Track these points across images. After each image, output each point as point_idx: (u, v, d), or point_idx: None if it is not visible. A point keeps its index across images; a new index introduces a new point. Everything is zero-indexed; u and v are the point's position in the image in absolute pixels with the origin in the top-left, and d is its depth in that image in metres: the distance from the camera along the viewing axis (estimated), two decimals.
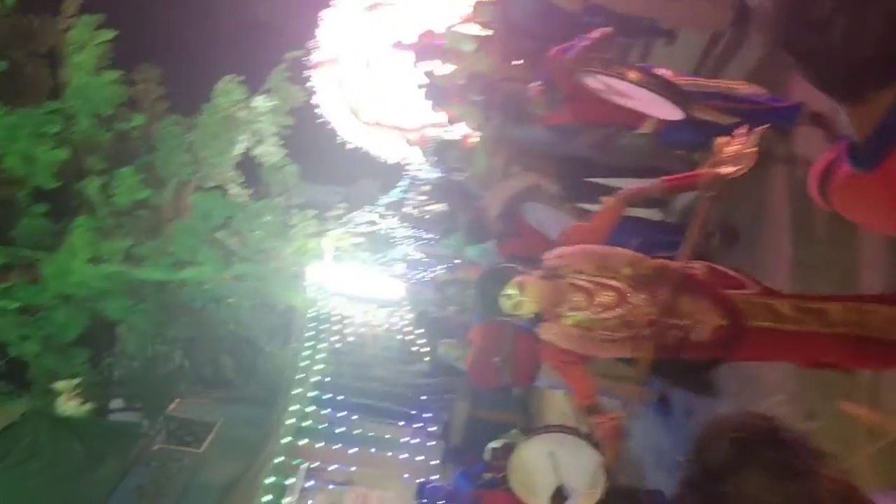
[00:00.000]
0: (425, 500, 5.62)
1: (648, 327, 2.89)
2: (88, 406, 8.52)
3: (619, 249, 3.03)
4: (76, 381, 8.30)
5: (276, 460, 7.27)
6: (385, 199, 12.51)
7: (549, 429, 4.70)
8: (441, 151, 5.87)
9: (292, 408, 8.03)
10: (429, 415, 8.72)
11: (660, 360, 2.89)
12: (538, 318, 3.00)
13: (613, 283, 2.97)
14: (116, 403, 9.82)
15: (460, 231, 5.66)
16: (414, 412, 8.76)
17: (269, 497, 6.86)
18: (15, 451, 7.92)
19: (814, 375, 3.12)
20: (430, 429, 8.43)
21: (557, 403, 7.21)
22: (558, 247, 3.12)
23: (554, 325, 3.03)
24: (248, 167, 9.72)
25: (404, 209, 10.62)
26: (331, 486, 7.44)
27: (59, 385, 8.00)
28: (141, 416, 9.14)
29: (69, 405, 8.22)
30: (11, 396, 8.13)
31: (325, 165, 13.15)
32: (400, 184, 11.25)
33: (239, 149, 9.31)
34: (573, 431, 4.30)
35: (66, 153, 7.34)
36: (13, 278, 7.51)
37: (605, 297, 2.95)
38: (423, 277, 9.73)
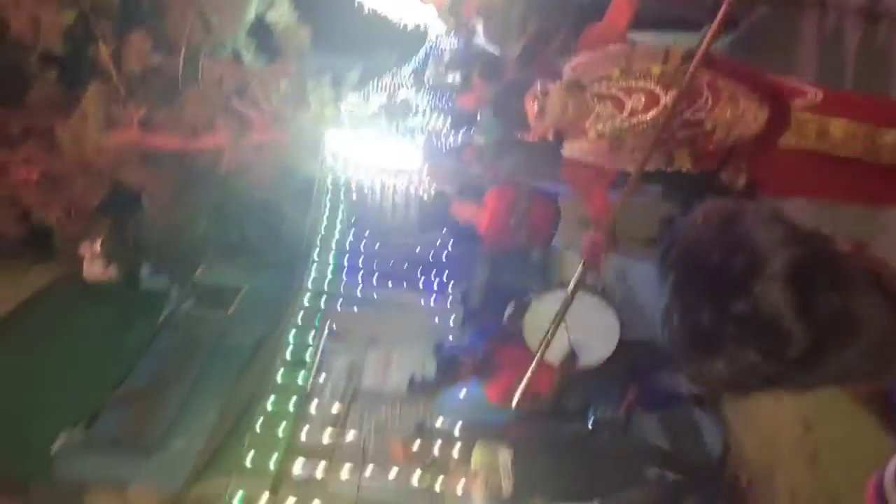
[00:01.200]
0: (443, 357, 5.77)
1: (684, 129, 2.69)
2: (114, 272, 8.75)
3: (645, 45, 2.78)
4: (101, 247, 8.47)
5: (298, 320, 7.50)
6: (404, 68, 12.20)
7: (563, 284, 4.72)
8: (457, 7, 5.67)
9: (313, 272, 8.20)
10: (448, 280, 8.85)
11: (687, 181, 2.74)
12: (560, 135, 2.87)
13: (643, 84, 2.75)
14: (143, 272, 10.05)
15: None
16: (433, 278, 8.89)
17: (291, 354, 7.11)
18: (44, 317, 8.26)
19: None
20: (449, 293, 8.58)
21: (574, 267, 7.18)
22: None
23: (579, 140, 2.89)
24: (262, 33, 9.45)
25: (425, 76, 10.37)
26: (350, 346, 7.69)
27: (84, 251, 8.19)
28: (168, 282, 9.38)
29: (96, 272, 8.43)
30: (37, 264, 8.35)
31: (342, 34, 12.80)
32: (419, 52, 10.92)
33: (251, 13, 9.01)
34: (588, 288, 4.31)
35: (73, 16, 7.18)
36: (31, 145, 7.54)
37: (636, 102, 2.75)
38: (442, 146, 9.62)
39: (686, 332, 1.10)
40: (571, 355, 4.34)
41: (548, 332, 3.33)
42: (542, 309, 4.49)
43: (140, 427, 7.07)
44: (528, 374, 3.38)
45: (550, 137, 2.95)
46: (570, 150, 2.92)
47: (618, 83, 2.70)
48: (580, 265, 3.22)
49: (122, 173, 8.41)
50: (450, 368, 5.44)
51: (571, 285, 3.30)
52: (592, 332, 4.29)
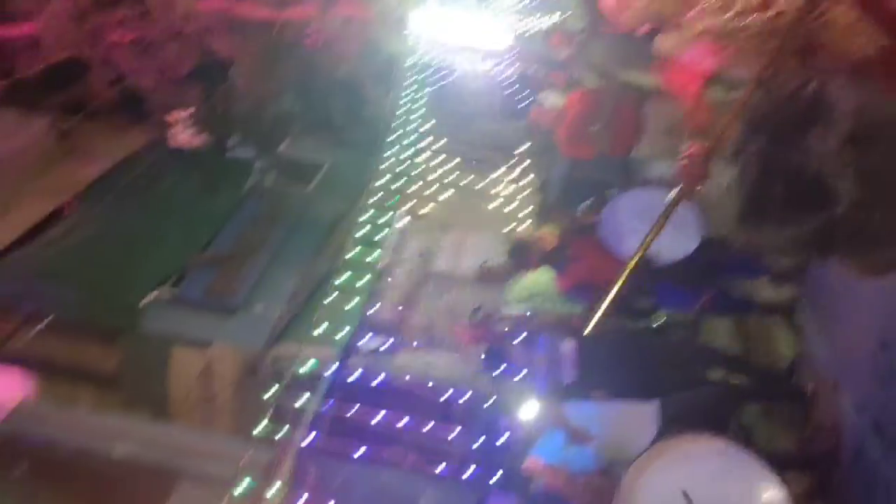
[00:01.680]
0: (516, 243, 5.74)
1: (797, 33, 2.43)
2: (203, 139, 8.99)
3: None
4: (191, 114, 8.69)
5: (376, 198, 7.61)
6: None
7: (646, 182, 4.61)
8: None
9: (392, 152, 8.23)
10: (528, 168, 8.73)
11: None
12: (656, 27, 2.71)
13: None
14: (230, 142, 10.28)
15: None
16: (513, 165, 8.80)
17: (367, 231, 7.26)
18: (136, 179, 8.61)
19: None
20: (528, 181, 8.49)
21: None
22: None
23: (676, 34, 2.71)
24: None
25: None
26: (426, 229, 7.79)
27: (174, 117, 8.42)
28: (253, 154, 9.60)
29: (185, 138, 8.69)
30: (132, 127, 8.66)
31: None
32: None
33: None
34: (671, 186, 4.19)
35: None
36: (125, 10, 7.68)
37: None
38: (531, 28, 9.28)
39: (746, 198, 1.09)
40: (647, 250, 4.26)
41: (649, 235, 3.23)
42: (623, 206, 4.41)
43: (224, 289, 7.42)
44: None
45: (644, 29, 2.80)
46: (667, 42, 2.76)
47: None
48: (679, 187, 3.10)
49: (212, 42, 8.52)
50: (522, 254, 5.44)
51: (670, 197, 3.18)
52: (671, 230, 4.19)
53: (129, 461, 5.88)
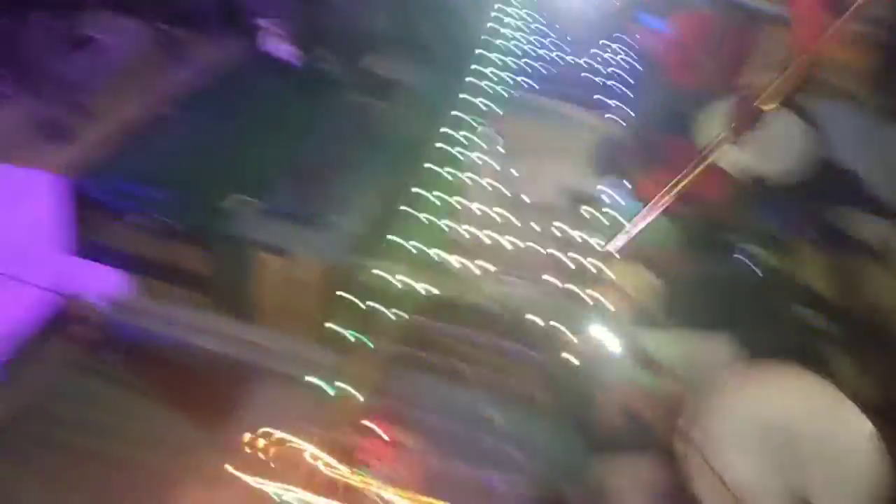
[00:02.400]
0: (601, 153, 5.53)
1: None
2: (295, 50, 9.04)
3: None
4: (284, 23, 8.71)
5: (461, 120, 7.55)
6: None
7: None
8: None
9: (479, 74, 8.11)
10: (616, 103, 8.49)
11: None
12: None
13: None
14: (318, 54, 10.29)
15: None
16: (602, 98, 8.56)
17: (450, 152, 7.24)
18: (231, 87, 8.76)
19: None
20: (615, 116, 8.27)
21: None
22: None
23: None
24: None
25: None
26: (512, 151, 7.71)
27: (269, 26, 8.47)
28: (340, 68, 9.61)
29: (280, 49, 8.76)
30: (227, 35, 8.76)
31: None
32: None
33: None
34: (791, 105, 4.01)
35: None
36: None
37: None
38: None
39: None
40: (750, 168, 4.13)
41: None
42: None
43: (309, 201, 7.57)
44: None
45: None
46: None
47: None
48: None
49: None
50: (612, 158, 5.32)
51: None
52: (778, 148, 4.03)
53: (216, 356, 6.22)
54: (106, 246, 7.44)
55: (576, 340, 5.24)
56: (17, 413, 5.71)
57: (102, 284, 7.03)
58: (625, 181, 5.58)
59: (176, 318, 6.64)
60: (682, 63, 5.17)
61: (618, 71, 8.23)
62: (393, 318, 5.56)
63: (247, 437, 5.05)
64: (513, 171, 7.64)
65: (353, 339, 5.56)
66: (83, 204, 7.22)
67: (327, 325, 6.15)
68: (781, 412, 3.13)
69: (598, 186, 6.02)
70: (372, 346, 5.40)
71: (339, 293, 6.80)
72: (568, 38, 8.93)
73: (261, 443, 5.04)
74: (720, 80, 5.07)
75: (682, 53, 5.15)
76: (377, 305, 5.71)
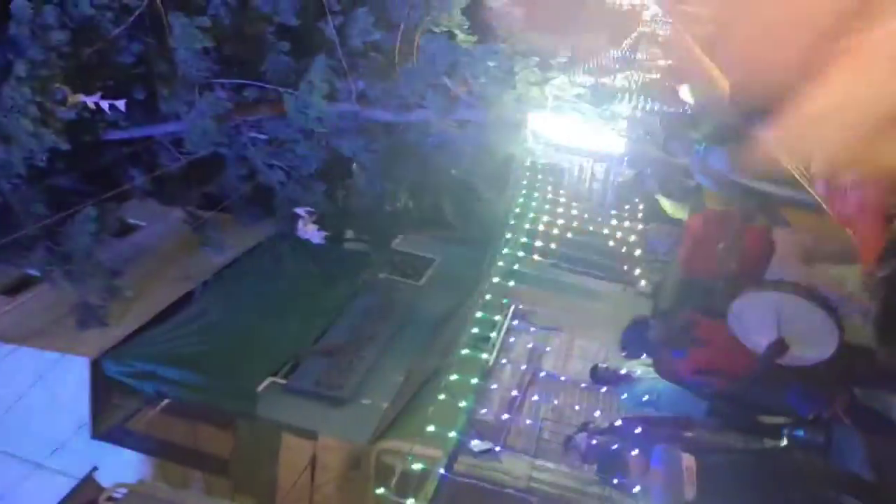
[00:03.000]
0: (633, 331, 5.52)
1: None
2: (324, 233, 9.38)
3: None
4: (314, 210, 9.11)
5: (486, 298, 7.65)
6: (613, 52, 11.88)
7: (779, 286, 4.41)
8: None
9: (505, 251, 8.31)
10: (640, 273, 8.60)
11: None
12: None
13: None
14: (349, 236, 10.69)
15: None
16: (626, 269, 8.69)
17: (477, 330, 7.27)
18: (261, 267, 9.05)
19: None
20: (640, 287, 8.36)
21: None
22: None
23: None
24: (475, 12, 9.64)
25: (634, 62, 10.07)
26: (534, 329, 7.73)
27: (301, 212, 8.84)
28: (369, 248, 9.93)
29: (308, 231, 9.10)
30: (259, 219, 9.17)
31: (553, 13, 12.70)
32: (632, 34, 10.57)
33: None
34: (808, 293, 4.01)
35: None
36: (262, 111, 8.27)
37: None
38: (646, 135, 9.33)
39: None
40: (778, 347, 4.04)
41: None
42: (755, 304, 4.20)
43: (335, 380, 7.54)
44: None
45: None
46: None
47: None
48: None
49: (338, 141, 9.01)
50: (640, 341, 5.25)
51: None
52: (806, 335, 3.97)
53: None
54: (128, 429, 7.39)
55: None
56: None
57: (123, 469, 6.92)
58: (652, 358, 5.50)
59: None
60: (699, 258, 5.23)
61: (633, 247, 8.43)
62: None
63: None
64: (538, 347, 7.60)
65: None
66: (107, 386, 7.26)
67: None
68: None
69: (625, 367, 5.95)
70: None
71: (362, 477, 6.61)
72: (585, 215, 9.21)
73: None
74: (739, 274, 5.07)
75: (697, 250, 5.22)
76: (404, 493, 5.49)
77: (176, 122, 8.19)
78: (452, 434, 5.92)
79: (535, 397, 7.08)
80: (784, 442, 5.04)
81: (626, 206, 9.18)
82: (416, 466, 5.50)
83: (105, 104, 6.90)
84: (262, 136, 8.80)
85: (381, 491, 5.20)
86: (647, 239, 8.62)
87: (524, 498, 5.36)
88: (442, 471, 5.46)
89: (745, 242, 5.03)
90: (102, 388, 7.25)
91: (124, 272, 7.87)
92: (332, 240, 10.13)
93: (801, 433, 4.66)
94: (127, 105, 7.51)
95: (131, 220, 9.35)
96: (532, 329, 7.81)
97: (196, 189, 8.88)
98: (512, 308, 8.04)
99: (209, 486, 7.34)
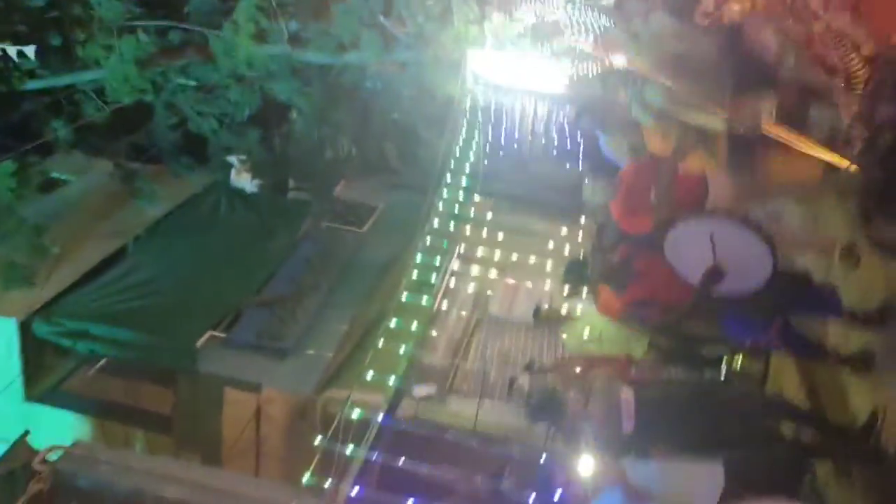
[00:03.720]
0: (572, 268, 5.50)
1: None
2: (260, 182, 9.11)
3: None
4: (250, 157, 8.83)
5: (427, 242, 7.52)
6: None
7: (713, 214, 4.38)
8: None
9: (446, 194, 8.16)
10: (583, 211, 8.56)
11: None
12: None
13: None
14: (291, 185, 10.41)
15: None
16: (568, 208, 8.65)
17: (418, 275, 7.16)
18: (196, 219, 8.75)
19: None
20: (583, 222, 8.32)
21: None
22: None
23: None
24: None
25: None
26: (476, 272, 7.67)
27: (234, 160, 8.57)
28: (310, 197, 9.68)
29: (243, 180, 8.83)
30: (193, 169, 8.83)
31: None
32: None
33: None
34: (741, 220, 3.97)
35: None
36: (188, 56, 7.88)
37: None
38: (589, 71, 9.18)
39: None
40: (714, 274, 4.03)
41: None
42: (689, 232, 4.16)
43: (277, 331, 7.40)
44: None
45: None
46: None
47: None
48: None
49: (272, 86, 8.68)
50: (580, 278, 5.24)
51: None
52: (741, 263, 3.95)
53: None
54: (63, 390, 7.16)
55: (556, 470, 4.99)
56: None
57: (59, 432, 6.71)
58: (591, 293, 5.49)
59: (136, 465, 6.27)
60: (633, 211, 5.15)
61: (575, 185, 8.35)
62: (363, 454, 5.28)
63: None
64: (481, 290, 7.55)
65: (320, 479, 5.23)
66: (38, 347, 6.98)
67: (296, 463, 5.85)
68: None
69: (566, 303, 5.95)
70: (340, 486, 5.08)
71: (308, 428, 6.53)
72: (529, 153, 9.08)
73: None
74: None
75: (632, 202, 5.14)
76: (346, 441, 5.43)
77: (96, 70, 7.77)
78: (392, 380, 5.85)
79: (480, 340, 7.06)
80: (722, 373, 5.10)
81: (568, 146, 9.07)
82: (358, 414, 5.43)
83: (13, 51, 6.46)
84: (191, 83, 8.43)
85: (318, 440, 5.14)
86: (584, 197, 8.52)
87: (465, 441, 5.35)
88: (381, 417, 5.41)
89: (679, 189, 4.98)
90: (32, 350, 6.96)
91: (50, 229, 7.50)
92: (272, 189, 9.88)
93: (738, 363, 4.71)
94: (42, 52, 7.09)
95: (56, 175, 8.90)
96: (474, 272, 7.75)
97: (124, 139, 8.49)
98: (455, 252, 7.95)
99: (151, 445, 7.18)
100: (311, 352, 7.27)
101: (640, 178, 5.13)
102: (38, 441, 6.06)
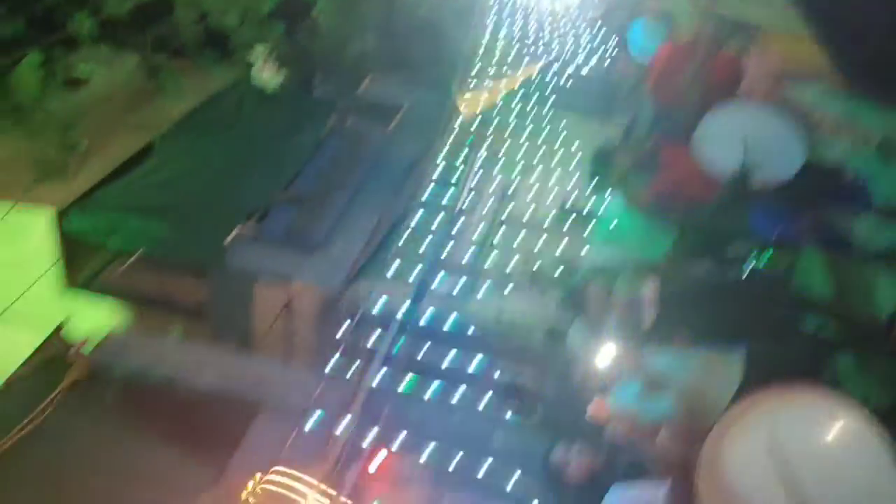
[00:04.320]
0: (597, 163, 5.45)
1: None
2: (285, 78, 8.98)
3: None
4: (273, 52, 8.67)
5: (450, 140, 7.46)
6: None
7: (743, 104, 4.27)
8: None
9: (470, 91, 8.04)
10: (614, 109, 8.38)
11: None
12: None
13: None
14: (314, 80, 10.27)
15: None
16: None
17: (440, 174, 7.15)
18: (222, 116, 8.72)
19: None
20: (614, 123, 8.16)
21: None
22: None
23: None
24: None
25: None
26: (503, 169, 7.62)
27: (258, 55, 8.42)
28: (334, 93, 9.58)
29: (268, 76, 8.71)
30: (218, 64, 8.72)
31: None
32: None
33: None
34: (773, 110, 3.88)
35: None
36: None
37: None
38: None
39: None
40: (744, 170, 3.96)
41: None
42: (721, 122, 4.08)
43: (305, 227, 7.48)
44: None
45: None
46: None
47: None
48: None
49: None
50: (606, 165, 5.19)
51: None
52: (772, 152, 3.87)
53: (213, 390, 6.10)
54: (99, 281, 7.37)
55: (575, 360, 5.09)
56: (12, 444, 5.61)
57: (96, 318, 6.95)
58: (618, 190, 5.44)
59: (171, 353, 6.53)
60: (666, 84, 5.02)
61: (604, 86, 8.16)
62: (387, 344, 5.43)
63: (257, 477, 4.81)
64: (505, 187, 7.52)
65: (346, 367, 5.41)
66: (74, 238, 7.15)
67: (324, 352, 6.04)
68: (802, 444, 2.87)
69: (593, 198, 5.91)
70: (365, 373, 5.26)
71: (336, 320, 6.70)
72: (554, 48, 8.85)
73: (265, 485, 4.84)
74: (705, 102, 4.90)
75: (666, 75, 5.01)
76: (371, 331, 5.58)
77: None
78: (419, 273, 5.94)
79: (503, 236, 7.08)
80: (748, 269, 5.09)
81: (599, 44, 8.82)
82: (382, 306, 5.55)
83: None
84: None
85: (343, 329, 5.27)
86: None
87: (489, 331, 5.46)
88: (407, 309, 5.53)
89: (713, 71, 4.83)
90: (69, 242, 7.14)
91: (78, 124, 7.53)
92: (297, 85, 9.76)
93: (764, 260, 4.68)
94: None
95: (82, 73, 8.86)
96: (500, 169, 7.70)
97: (148, 33, 8.38)
98: (478, 149, 7.89)
99: (187, 334, 7.41)
100: (338, 247, 7.36)
101: (674, 57, 4.99)
102: (75, 330, 6.30)
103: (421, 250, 6.52)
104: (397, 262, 6.29)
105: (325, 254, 7.31)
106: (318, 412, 5.25)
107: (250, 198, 7.79)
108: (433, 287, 6.14)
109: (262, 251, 7.28)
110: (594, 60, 8.44)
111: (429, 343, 5.45)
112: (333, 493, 4.66)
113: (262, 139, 8.58)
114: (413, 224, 6.77)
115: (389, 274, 6.23)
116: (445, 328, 5.61)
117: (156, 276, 7.52)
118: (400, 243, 6.53)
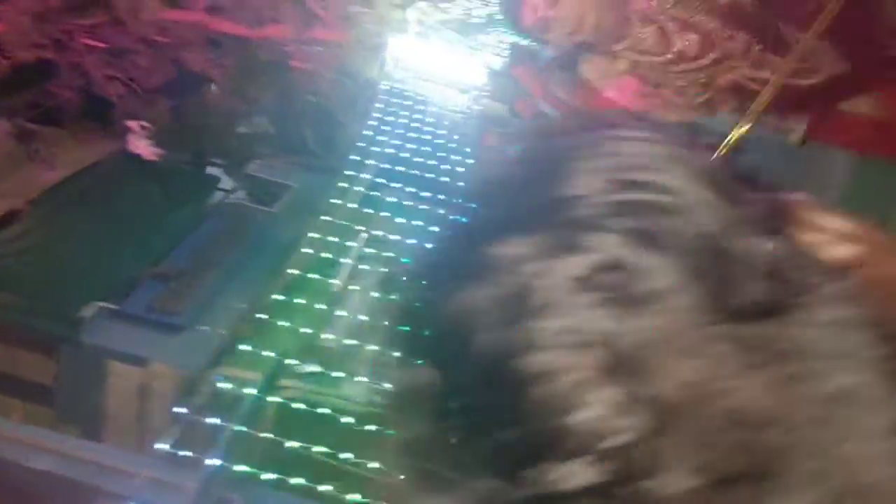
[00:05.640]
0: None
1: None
2: (170, 152, 8.85)
3: None
4: (158, 126, 8.56)
5: (333, 225, 7.45)
6: None
7: None
8: None
9: (358, 177, 8.10)
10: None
11: None
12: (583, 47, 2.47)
13: (700, 20, 2.27)
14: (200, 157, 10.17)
15: None
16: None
17: (321, 260, 7.09)
18: (98, 186, 8.45)
19: None
20: None
21: None
22: None
23: (603, 63, 2.49)
24: None
25: None
26: (384, 257, 7.60)
27: (133, 125, 8.28)
28: (221, 171, 9.48)
29: (149, 149, 8.55)
30: (98, 135, 8.52)
31: None
32: None
33: None
34: None
35: None
36: (96, 16, 7.62)
37: (685, 43, 2.29)
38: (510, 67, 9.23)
39: None
40: None
41: None
42: None
43: (170, 305, 7.20)
44: None
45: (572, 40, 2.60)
46: (591, 70, 2.57)
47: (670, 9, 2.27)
48: None
49: (186, 55, 8.46)
50: None
51: None
52: None
53: (48, 475, 5.65)
54: None
55: None
56: None
57: None
58: None
59: (8, 434, 6.03)
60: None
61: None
62: (235, 429, 5.18)
63: None
64: (387, 276, 7.49)
65: (191, 452, 5.12)
66: None
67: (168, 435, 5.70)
68: None
69: None
70: (207, 458, 4.98)
71: (194, 403, 6.38)
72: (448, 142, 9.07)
73: None
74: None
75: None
76: (220, 415, 5.33)
77: None
78: (279, 357, 5.77)
79: (385, 323, 6.99)
80: None
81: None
82: (225, 387, 5.33)
83: None
84: (100, 45, 8.15)
85: (178, 409, 5.03)
86: None
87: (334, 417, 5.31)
88: (254, 392, 5.33)
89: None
90: None
91: None
92: (181, 160, 9.63)
93: None
94: None
95: None
96: (381, 257, 7.68)
97: (22, 97, 8.12)
98: (364, 236, 7.88)
99: (29, 416, 6.91)
100: (204, 328, 7.09)
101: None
102: None
103: (290, 333, 6.35)
104: (263, 344, 6.10)
105: (188, 335, 7.03)
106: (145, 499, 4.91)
107: (116, 271, 7.48)
108: (295, 370, 5.97)
109: (121, 328, 6.93)
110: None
111: (280, 428, 5.24)
112: None
113: (139, 212, 8.34)
114: (285, 305, 6.61)
115: (252, 356, 6.02)
116: (298, 413, 5.43)
117: (2, 350, 7.04)
118: (267, 325, 6.34)
